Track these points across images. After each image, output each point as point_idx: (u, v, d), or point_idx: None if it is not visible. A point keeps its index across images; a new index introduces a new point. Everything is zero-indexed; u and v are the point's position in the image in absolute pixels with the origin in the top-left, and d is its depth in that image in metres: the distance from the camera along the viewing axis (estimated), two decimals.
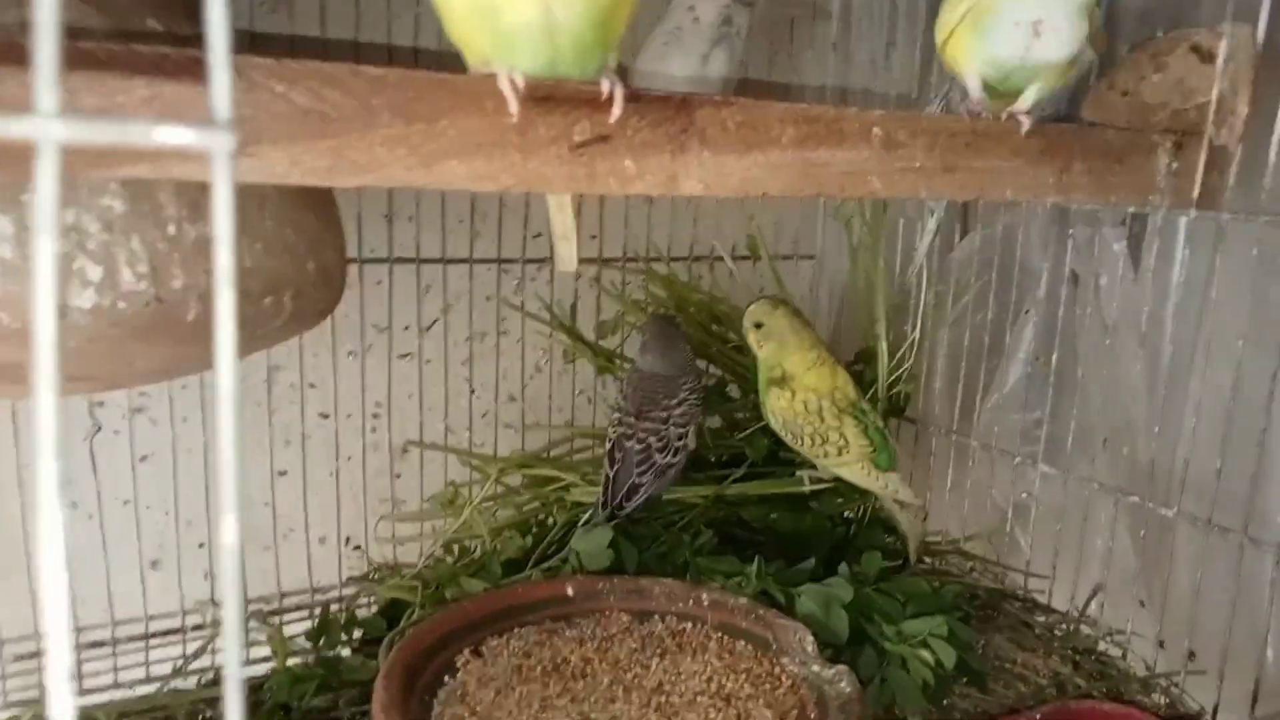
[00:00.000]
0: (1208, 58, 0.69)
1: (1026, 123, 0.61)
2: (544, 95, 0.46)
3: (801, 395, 0.87)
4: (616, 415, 0.90)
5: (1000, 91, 0.62)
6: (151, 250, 0.46)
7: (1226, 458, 0.72)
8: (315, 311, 0.58)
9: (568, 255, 0.62)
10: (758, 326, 0.89)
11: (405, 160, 0.43)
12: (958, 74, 0.63)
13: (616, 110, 0.47)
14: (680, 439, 0.87)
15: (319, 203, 0.58)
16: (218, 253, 0.16)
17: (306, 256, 0.55)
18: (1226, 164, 0.69)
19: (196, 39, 0.56)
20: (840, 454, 0.87)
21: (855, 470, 0.87)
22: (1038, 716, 0.69)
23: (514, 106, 0.44)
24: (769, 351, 0.88)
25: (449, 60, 0.50)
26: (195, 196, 0.48)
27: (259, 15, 0.79)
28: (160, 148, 0.16)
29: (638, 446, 0.86)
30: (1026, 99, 0.61)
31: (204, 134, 0.16)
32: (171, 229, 0.47)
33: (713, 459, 0.99)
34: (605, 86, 0.47)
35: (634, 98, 0.49)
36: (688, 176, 0.52)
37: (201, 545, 0.87)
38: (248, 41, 0.78)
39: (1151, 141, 0.69)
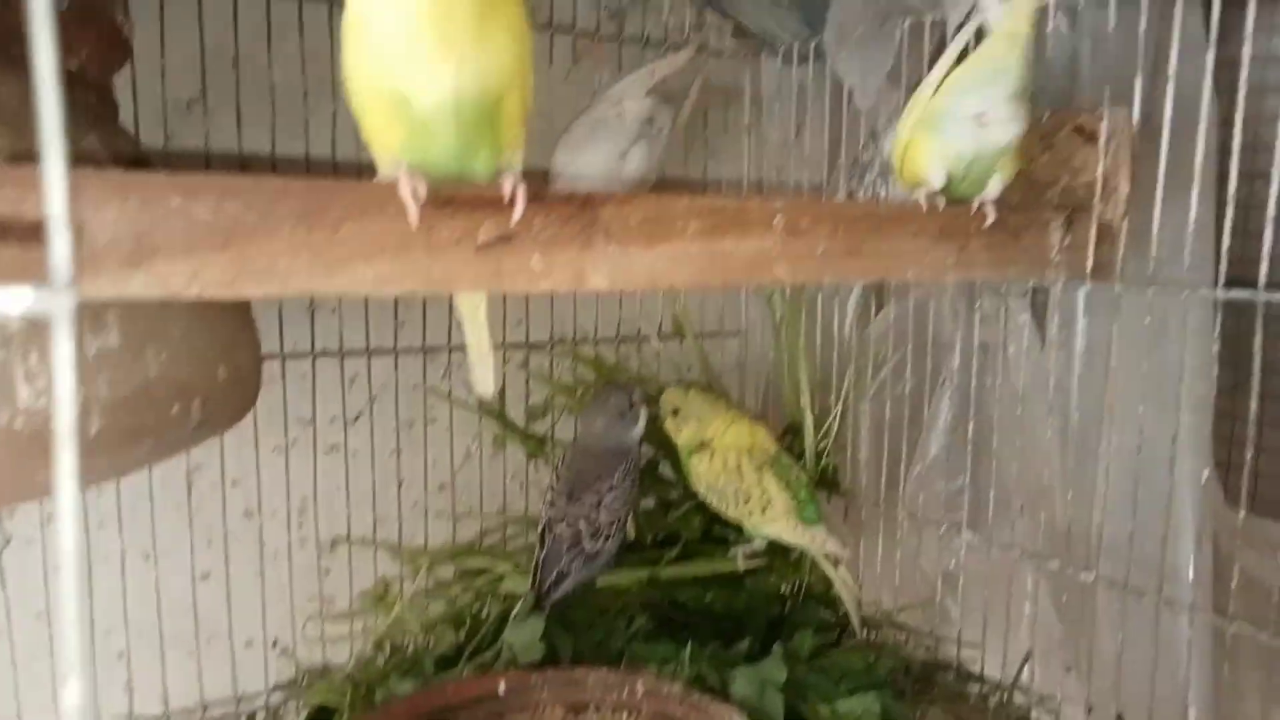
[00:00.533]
0: (1090, 138, 0.73)
1: (993, 213, 0.65)
2: (446, 198, 0.47)
3: (720, 455, 0.88)
4: (549, 495, 0.89)
5: (962, 189, 0.66)
6: (50, 365, 0.45)
7: (1137, 520, 0.74)
8: (227, 415, 0.57)
9: (485, 378, 0.61)
10: (675, 413, 0.91)
11: (309, 268, 0.43)
12: (920, 182, 0.67)
13: (518, 211, 0.48)
14: (611, 524, 0.87)
15: (230, 305, 0.57)
16: (59, 413, 0.16)
17: (217, 361, 0.54)
18: (1115, 237, 0.73)
19: (130, 153, 0.56)
20: (765, 511, 0.88)
21: (783, 526, 0.88)
22: None
23: (414, 213, 0.44)
24: (688, 433, 0.90)
25: (369, 171, 0.51)
26: (97, 310, 0.48)
27: (174, 117, 0.79)
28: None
29: (567, 531, 0.85)
30: (992, 190, 0.66)
31: (43, 296, 0.16)
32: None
33: (648, 539, 0.98)
34: (507, 188, 0.48)
35: (537, 197, 0.50)
36: (595, 272, 0.53)
37: (120, 655, 0.84)
38: (163, 157, 0.79)
39: (1044, 218, 0.72)
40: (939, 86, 0.64)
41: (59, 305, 0.17)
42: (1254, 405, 0.66)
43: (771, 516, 0.88)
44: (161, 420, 0.52)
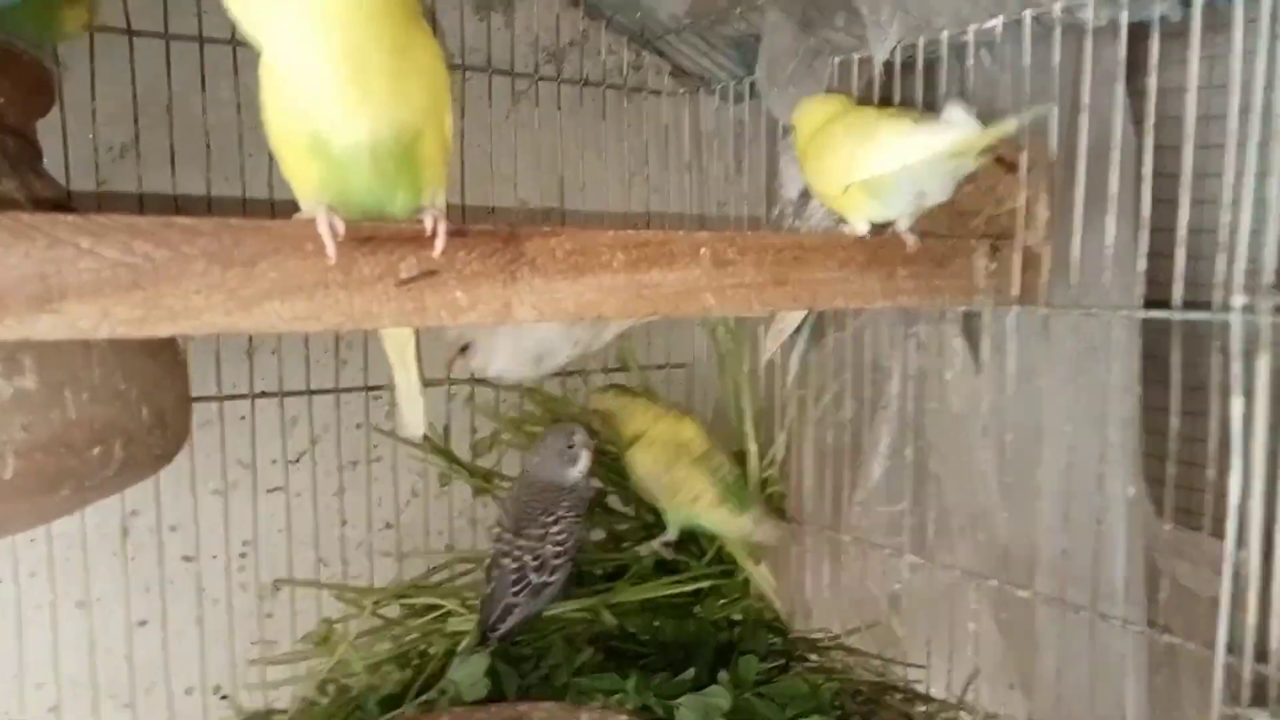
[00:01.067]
0: (1011, 168, 0.75)
1: (913, 241, 0.69)
2: (366, 235, 0.47)
3: (652, 447, 0.92)
4: (497, 530, 0.89)
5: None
6: None
7: (1070, 537, 0.75)
8: (152, 458, 0.57)
9: (414, 420, 0.61)
10: (604, 417, 0.95)
11: (223, 305, 0.43)
12: (847, 217, 0.70)
13: (439, 246, 0.49)
14: (557, 557, 0.87)
15: (154, 346, 0.57)
16: None
17: (139, 402, 0.54)
18: (1038, 263, 0.75)
19: (52, 197, 0.56)
20: (695, 501, 0.90)
21: (713, 517, 0.91)
22: None
23: (331, 250, 0.45)
24: (623, 429, 0.94)
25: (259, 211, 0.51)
26: (11, 351, 0.47)
27: (104, 163, 0.79)
28: None
29: (513, 565, 0.85)
30: (903, 225, 0.69)
31: None
32: None
33: (598, 572, 0.98)
34: (428, 223, 0.49)
35: (460, 233, 0.50)
36: (520, 304, 0.53)
37: (52, 709, 0.82)
38: (93, 201, 0.78)
39: (970, 246, 0.74)
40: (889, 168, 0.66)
41: None
42: (1174, 421, 0.68)
43: (702, 506, 0.91)
44: (82, 464, 0.51)
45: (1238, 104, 0.63)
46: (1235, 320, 0.62)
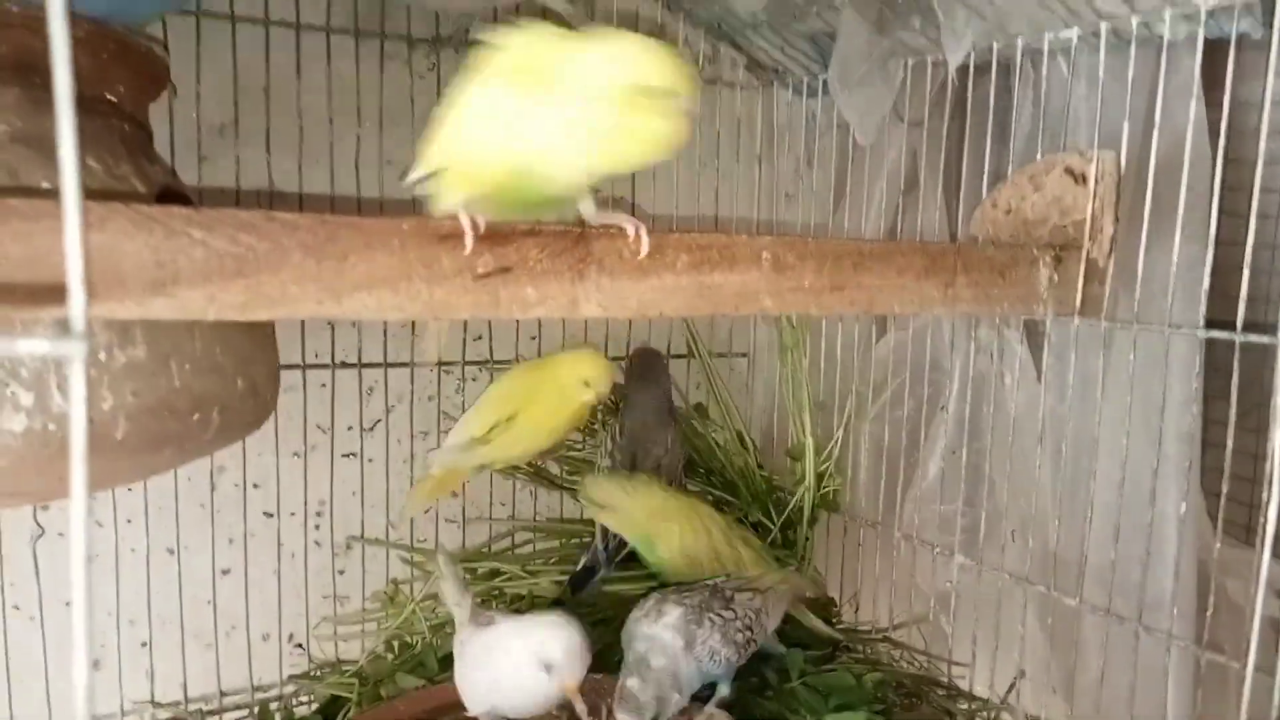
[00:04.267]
0: (1080, 179, 0.75)
1: None
2: (447, 233, 0.51)
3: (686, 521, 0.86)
4: (608, 463, 0.93)
5: None
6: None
7: (1120, 548, 0.76)
8: (243, 424, 0.61)
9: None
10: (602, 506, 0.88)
11: (316, 295, 0.47)
12: None
13: (644, 247, 0.55)
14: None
15: (250, 323, 0.61)
16: (74, 436, 0.20)
17: (235, 374, 0.58)
18: (1102, 276, 0.75)
19: (161, 180, 0.60)
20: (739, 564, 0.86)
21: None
22: None
23: (469, 245, 0.50)
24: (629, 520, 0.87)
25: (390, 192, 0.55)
26: (125, 325, 0.52)
27: (206, 140, 0.84)
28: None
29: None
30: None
31: (59, 344, 0.20)
32: (102, 355, 0.51)
33: None
34: (630, 230, 0.55)
35: (533, 232, 0.53)
36: (587, 301, 0.56)
37: (144, 644, 0.89)
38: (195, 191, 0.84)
39: (1033, 255, 0.75)
40: None
41: (75, 350, 0.20)
42: (1229, 440, 0.68)
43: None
44: (183, 427, 0.56)
45: None
46: None
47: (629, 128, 0.49)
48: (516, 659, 0.68)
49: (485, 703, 0.71)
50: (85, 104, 0.55)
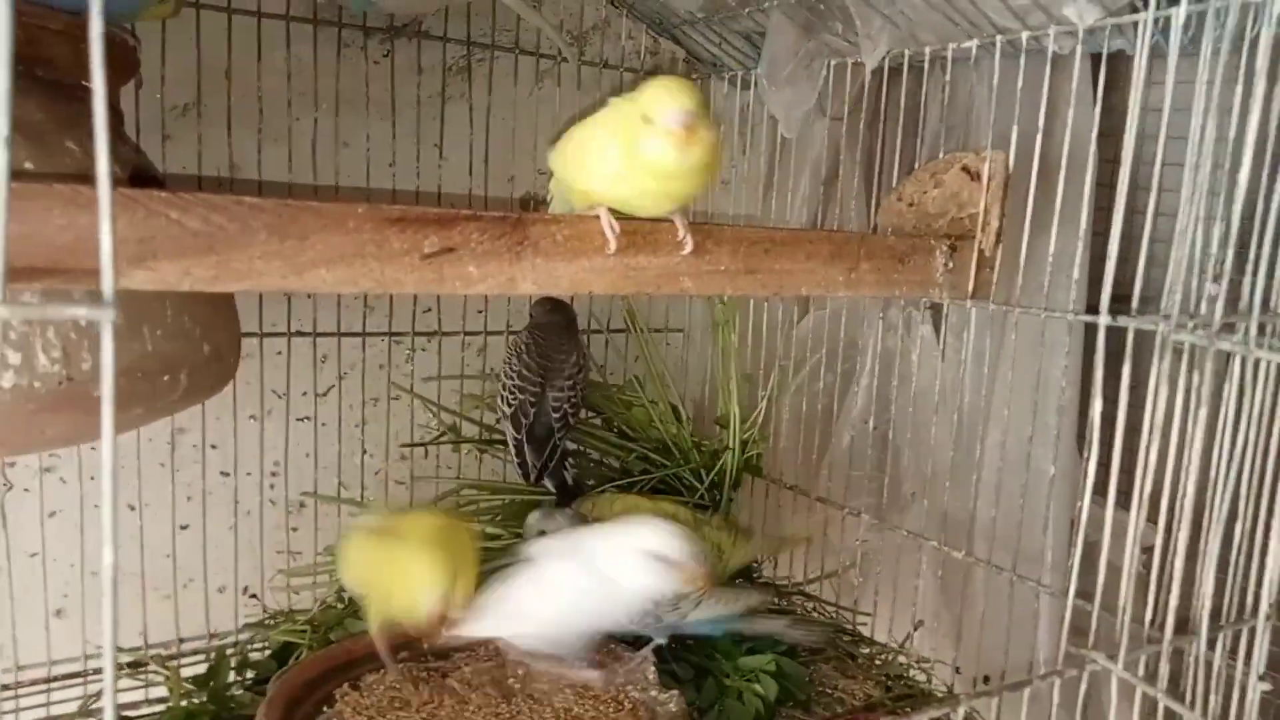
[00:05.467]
0: (975, 176, 0.84)
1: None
2: (397, 217, 0.57)
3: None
4: (513, 381, 0.99)
5: None
6: (64, 338, 0.56)
7: (1000, 507, 0.85)
8: (208, 386, 0.67)
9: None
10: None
11: (280, 270, 0.54)
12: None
13: (688, 246, 0.66)
14: (582, 390, 1.01)
15: (215, 294, 0.67)
16: (103, 388, 0.27)
17: (201, 340, 0.64)
18: (991, 264, 0.83)
19: (133, 160, 0.66)
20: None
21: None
22: None
23: (613, 243, 0.61)
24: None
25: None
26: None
27: (169, 120, 0.89)
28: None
29: (554, 410, 0.98)
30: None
31: (93, 311, 0.26)
32: (83, 320, 0.57)
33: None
34: (680, 229, 0.65)
35: (475, 217, 0.60)
36: (523, 279, 0.63)
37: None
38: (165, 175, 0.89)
39: (930, 245, 0.83)
40: None
41: (106, 316, 0.27)
42: (1095, 411, 0.77)
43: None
44: (153, 388, 0.62)
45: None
46: (1142, 327, 0.71)
47: (637, 158, 0.59)
48: (627, 560, 0.69)
49: (543, 622, 0.73)
50: (67, 91, 0.60)
